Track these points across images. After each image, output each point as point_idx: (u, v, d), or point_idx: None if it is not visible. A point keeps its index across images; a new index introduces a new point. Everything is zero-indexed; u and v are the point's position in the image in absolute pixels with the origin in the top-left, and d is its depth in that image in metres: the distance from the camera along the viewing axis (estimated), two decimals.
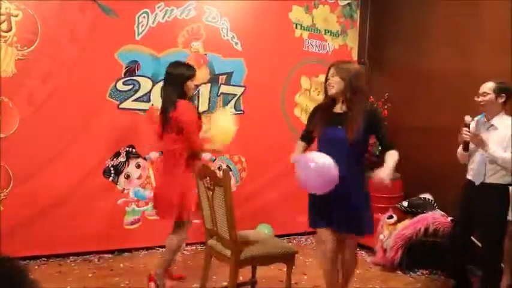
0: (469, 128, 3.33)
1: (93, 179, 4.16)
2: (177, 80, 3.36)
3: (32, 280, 0.88)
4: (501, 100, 3.34)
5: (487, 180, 3.35)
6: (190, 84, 3.40)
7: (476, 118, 3.48)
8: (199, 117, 3.46)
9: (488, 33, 4.34)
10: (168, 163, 3.40)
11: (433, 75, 4.86)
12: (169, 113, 3.29)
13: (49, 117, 3.93)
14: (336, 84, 2.92)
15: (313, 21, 5.18)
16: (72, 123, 4.02)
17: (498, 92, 3.33)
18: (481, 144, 3.26)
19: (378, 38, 5.59)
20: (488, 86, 3.36)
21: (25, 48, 3.82)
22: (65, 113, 3.98)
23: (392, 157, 2.91)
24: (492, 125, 3.37)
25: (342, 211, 2.88)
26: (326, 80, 2.99)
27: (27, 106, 3.87)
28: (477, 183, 3.40)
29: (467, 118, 3.35)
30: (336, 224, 2.91)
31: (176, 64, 3.48)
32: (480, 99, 3.38)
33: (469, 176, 3.49)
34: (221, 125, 3.42)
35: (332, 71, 2.95)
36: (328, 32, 5.29)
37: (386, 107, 5.13)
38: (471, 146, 3.37)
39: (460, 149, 3.49)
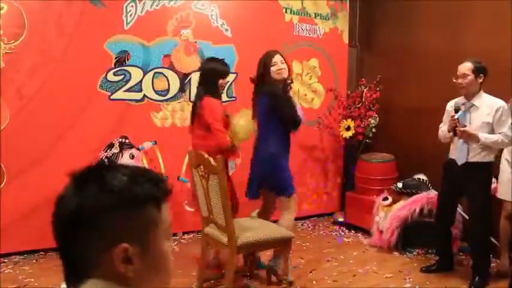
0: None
1: None
2: (208, 75, 3.41)
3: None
4: (480, 80, 3.38)
5: (471, 160, 3.41)
6: (222, 82, 3.46)
7: (453, 104, 3.51)
8: (227, 116, 3.47)
9: (478, 13, 4.33)
10: None
11: (424, 56, 4.85)
12: (197, 109, 3.39)
13: (40, 111, 3.90)
14: (286, 69, 3.39)
15: (302, 5, 5.14)
16: (63, 116, 3.99)
17: (477, 72, 3.35)
18: (472, 138, 3.30)
19: (368, 20, 5.56)
20: (467, 67, 3.36)
21: (12, 41, 3.77)
22: (56, 106, 3.95)
23: None
24: (473, 104, 3.40)
25: None
26: (271, 66, 3.38)
27: (17, 100, 3.83)
28: (460, 163, 3.45)
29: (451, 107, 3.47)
30: None
31: (210, 59, 3.55)
32: (460, 81, 3.38)
33: (453, 156, 3.53)
34: (242, 125, 3.39)
35: (280, 57, 3.40)
36: (318, 15, 5.25)
37: (378, 88, 5.13)
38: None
39: (444, 131, 3.54)
